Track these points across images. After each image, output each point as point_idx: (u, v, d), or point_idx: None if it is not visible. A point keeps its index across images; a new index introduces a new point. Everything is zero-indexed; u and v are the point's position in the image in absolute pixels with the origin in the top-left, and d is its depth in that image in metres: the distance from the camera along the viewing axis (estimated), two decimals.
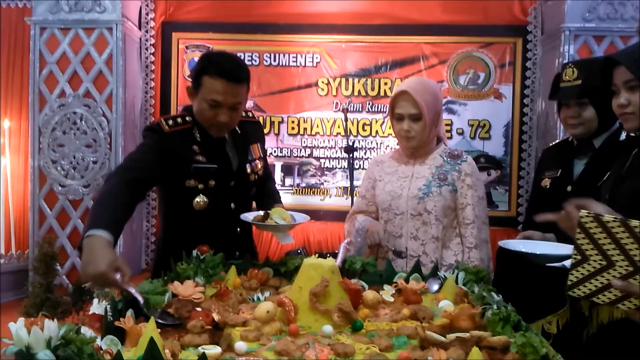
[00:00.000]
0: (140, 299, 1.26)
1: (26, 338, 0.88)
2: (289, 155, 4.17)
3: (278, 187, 4.09)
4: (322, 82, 4.12)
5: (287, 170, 4.18)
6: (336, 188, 4.15)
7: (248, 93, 1.84)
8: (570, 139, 2.05)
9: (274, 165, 4.13)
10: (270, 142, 4.13)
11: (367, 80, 4.11)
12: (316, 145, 4.16)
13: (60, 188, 3.86)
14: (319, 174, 4.16)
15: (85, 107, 3.85)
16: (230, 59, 1.78)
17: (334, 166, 4.15)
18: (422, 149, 1.98)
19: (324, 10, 4.08)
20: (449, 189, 1.94)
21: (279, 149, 4.17)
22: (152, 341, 0.93)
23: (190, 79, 1.84)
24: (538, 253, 1.46)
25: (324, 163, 4.16)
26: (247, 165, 1.91)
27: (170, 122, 1.79)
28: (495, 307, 1.30)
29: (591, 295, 1.11)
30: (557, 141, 2.34)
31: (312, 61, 4.13)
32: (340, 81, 4.13)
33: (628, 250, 1.04)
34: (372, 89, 4.11)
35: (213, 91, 1.72)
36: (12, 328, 0.89)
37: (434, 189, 1.93)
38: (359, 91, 4.13)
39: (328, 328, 1.17)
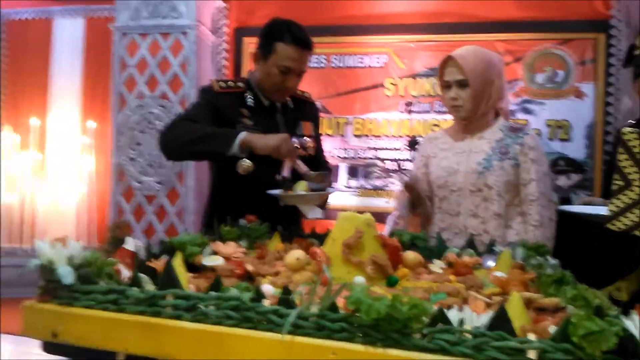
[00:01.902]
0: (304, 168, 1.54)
1: (49, 253, 0.90)
2: (354, 156, 4.13)
3: (342, 188, 4.12)
4: (389, 82, 4.07)
5: (352, 172, 4.13)
6: None
7: None
8: None
9: (338, 166, 4.11)
10: (335, 144, 4.12)
11: (436, 80, 4.00)
12: (382, 147, 4.09)
13: (137, 184, 4.06)
14: (385, 175, 4.08)
15: (161, 108, 4.04)
16: (301, 28, 1.84)
17: (401, 168, 4.05)
18: (477, 121, 1.88)
19: (392, 11, 4.05)
20: (511, 164, 1.81)
21: (344, 151, 4.14)
22: (169, 265, 0.91)
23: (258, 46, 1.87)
24: (602, 214, 1.31)
25: (390, 165, 4.07)
26: (295, 139, 1.89)
27: (222, 83, 1.84)
28: (549, 270, 1.18)
29: (634, 228, 0.95)
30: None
31: (379, 62, 4.09)
32: (408, 81, 4.05)
33: None
34: None
35: (287, 58, 1.77)
36: (37, 244, 0.91)
37: (495, 163, 1.81)
38: (428, 91, 4.03)
39: (360, 279, 1.10)
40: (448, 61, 1.86)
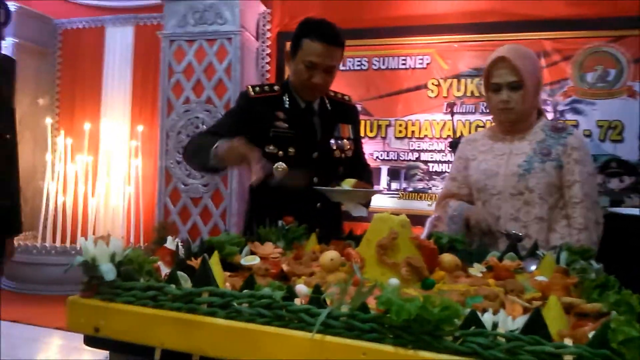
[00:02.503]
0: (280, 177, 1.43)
1: (92, 250, 0.94)
2: (395, 159, 4.10)
3: (384, 191, 4.09)
4: (432, 83, 4.02)
5: (394, 174, 4.10)
6: None
7: (341, 60, 1.88)
8: None
9: (380, 169, 4.09)
10: (376, 146, 4.11)
11: (480, 80, 3.92)
12: (424, 149, 4.04)
13: (183, 187, 4.17)
14: (427, 178, 4.03)
15: (206, 112, 4.14)
16: (328, 24, 1.84)
17: (443, 170, 3.99)
18: (522, 123, 1.82)
19: (434, 11, 4.01)
20: (553, 165, 1.75)
21: (385, 153, 4.12)
22: (204, 261, 0.94)
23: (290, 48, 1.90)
24: None
25: (432, 167, 4.02)
26: (332, 141, 1.90)
27: (257, 88, 1.87)
28: (593, 275, 1.14)
29: None
30: None
31: (422, 63, 4.05)
32: (452, 82, 3.99)
33: None
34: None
35: (311, 53, 1.78)
36: (81, 242, 0.95)
37: (536, 165, 1.75)
38: (472, 92, 3.96)
39: (394, 281, 1.09)
40: (499, 62, 1.78)
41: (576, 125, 3.74)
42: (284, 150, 1.83)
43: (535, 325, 0.74)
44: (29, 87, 4.80)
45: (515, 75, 1.74)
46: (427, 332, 0.76)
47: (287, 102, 1.88)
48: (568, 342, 0.75)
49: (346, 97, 2.08)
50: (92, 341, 0.95)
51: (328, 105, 1.95)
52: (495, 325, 0.78)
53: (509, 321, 0.80)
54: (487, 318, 0.81)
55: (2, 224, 2.10)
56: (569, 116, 3.78)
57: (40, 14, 4.92)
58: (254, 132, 1.80)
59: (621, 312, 0.87)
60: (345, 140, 1.95)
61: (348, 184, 1.66)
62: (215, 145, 1.59)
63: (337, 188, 1.66)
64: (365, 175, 1.99)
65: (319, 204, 1.88)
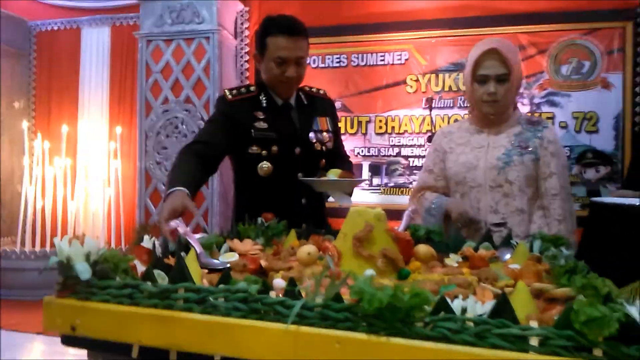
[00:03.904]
0: (197, 247, 1.28)
1: (67, 250, 0.94)
2: (376, 154, 4.13)
3: (366, 186, 4.11)
4: (411, 79, 4.05)
5: (375, 170, 4.13)
6: None
7: (308, 50, 1.90)
8: None
9: (362, 164, 4.11)
10: (357, 142, 4.13)
11: (458, 75, 3.97)
12: (404, 144, 4.07)
13: (163, 187, 4.14)
14: (408, 173, 4.07)
15: (185, 112, 4.13)
16: (288, 18, 1.86)
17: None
18: (501, 115, 1.85)
19: (412, 7, 4.04)
20: (531, 158, 1.78)
21: (366, 149, 4.14)
22: (179, 257, 0.94)
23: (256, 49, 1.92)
24: (636, 204, 1.28)
25: (413, 162, 4.06)
26: (312, 134, 1.91)
27: (234, 91, 1.88)
28: (562, 261, 1.17)
29: None
30: None
31: (401, 59, 4.08)
32: (430, 77, 4.03)
33: None
34: (464, 84, 3.96)
35: (278, 48, 1.80)
36: (56, 242, 0.95)
37: (515, 158, 1.78)
38: (450, 87, 4.00)
39: (370, 272, 1.11)
40: (489, 54, 1.78)
41: (552, 118, 3.81)
42: (267, 149, 1.85)
43: (503, 309, 0.76)
44: (4, 90, 4.73)
45: (505, 67, 1.76)
46: (399, 320, 0.77)
47: (265, 101, 1.89)
48: (534, 325, 0.77)
49: (322, 91, 2.10)
50: (69, 340, 0.95)
51: (304, 99, 1.97)
52: (464, 311, 0.80)
53: (478, 306, 0.82)
54: (456, 304, 0.83)
55: None
56: (545, 108, 3.84)
57: (14, 16, 4.84)
58: (236, 135, 1.82)
59: (587, 295, 0.90)
60: (324, 134, 1.97)
61: (334, 174, 1.70)
62: (168, 191, 1.56)
63: (323, 178, 1.70)
64: (346, 166, 2.01)
65: (303, 200, 1.90)
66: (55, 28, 4.92)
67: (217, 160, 1.90)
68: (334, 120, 2.07)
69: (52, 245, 4.42)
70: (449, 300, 0.81)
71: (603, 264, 1.12)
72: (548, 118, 3.80)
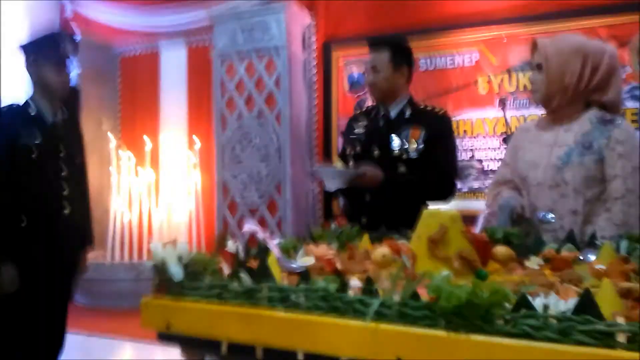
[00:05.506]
0: (276, 251, 1.34)
1: (161, 254, 1.02)
2: None
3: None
4: (483, 80, 3.97)
5: None
6: None
7: (391, 63, 2.21)
8: None
9: None
10: None
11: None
12: (478, 147, 3.98)
13: (240, 199, 4.30)
14: (482, 177, 3.97)
15: (258, 127, 4.27)
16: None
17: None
18: (562, 111, 1.80)
19: (480, 6, 3.96)
20: (593, 159, 1.70)
21: None
22: (262, 259, 1.00)
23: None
24: None
25: (488, 165, 3.95)
26: (395, 141, 2.10)
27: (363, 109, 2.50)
28: None
29: None
30: None
31: (471, 60, 4.01)
32: (503, 77, 3.92)
33: None
34: None
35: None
36: (152, 247, 1.04)
37: (575, 158, 1.72)
38: (525, 86, 3.87)
39: (447, 274, 1.11)
40: (532, 43, 1.87)
41: (637, 114, 3.58)
42: (354, 148, 2.21)
43: (587, 305, 0.75)
44: (92, 113, 5.10)
45: (539, 57, 1.79)
46: (479, 317, 0.78)
47: (373, 110, 2.30)
48: (621, 322, 0.75)
49: (436, 109, 2.28)
50: (164, 337, 1.02)
51: (407, 112, 2.19)
52: (546, 308, 0.79)
53: (560, 304, 0.81)
54: (538, 302, 0.82)
55: (78, 240, 2.27)
56: (629, 104, 3.62)
57: (101, 44, 5.23)
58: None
59: None
60: (411, 144, 2.11)
61: (337, 163, 2.10)
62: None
63: (320, 167, 2.12)
64: (426, 175, 2.11)
65: (368, 197, 2.11)
66: (137, 53, 5.27)
67: None
68: (436, 134, 2.15)
69: (140, 256, 4.70)
70: (530, 298, 0.80)
71: None
72: (633, 114, 3.58)
